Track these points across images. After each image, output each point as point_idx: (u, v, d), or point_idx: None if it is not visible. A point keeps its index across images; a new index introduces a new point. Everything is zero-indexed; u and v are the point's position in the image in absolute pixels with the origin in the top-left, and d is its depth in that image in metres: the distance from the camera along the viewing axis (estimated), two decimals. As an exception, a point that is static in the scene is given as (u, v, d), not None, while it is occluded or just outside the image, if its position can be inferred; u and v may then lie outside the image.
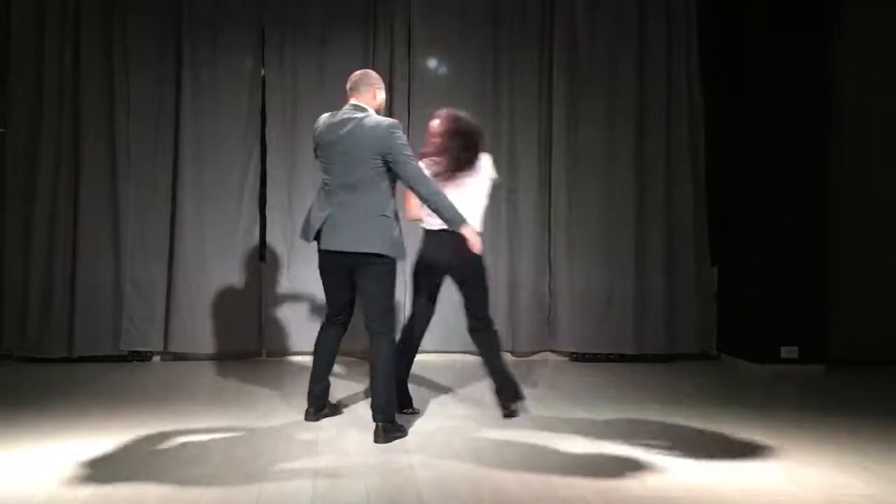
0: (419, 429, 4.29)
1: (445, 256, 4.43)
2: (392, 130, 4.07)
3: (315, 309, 6.34)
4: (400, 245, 4.13)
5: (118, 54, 6.27)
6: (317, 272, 6.45)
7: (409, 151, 4.09)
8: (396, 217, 4.16)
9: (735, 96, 6.42)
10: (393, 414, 4.15)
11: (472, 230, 4.20)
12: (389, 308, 4.22)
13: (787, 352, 6.03)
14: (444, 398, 5.05)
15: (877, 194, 6.43)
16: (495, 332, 4.62)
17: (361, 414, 4.51)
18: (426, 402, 4.88)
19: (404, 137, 4.14)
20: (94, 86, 6.24)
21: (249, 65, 6.44)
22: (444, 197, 4.12)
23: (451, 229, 4.15)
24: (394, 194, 4.19)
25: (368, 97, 4.22)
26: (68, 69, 6.22)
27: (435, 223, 4.40)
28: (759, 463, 3.71)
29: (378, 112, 4.23)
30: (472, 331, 4.60)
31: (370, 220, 4.07)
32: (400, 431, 4.14)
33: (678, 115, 6.54)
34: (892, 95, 6.40)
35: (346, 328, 4.48)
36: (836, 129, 6.30)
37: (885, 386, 5.64)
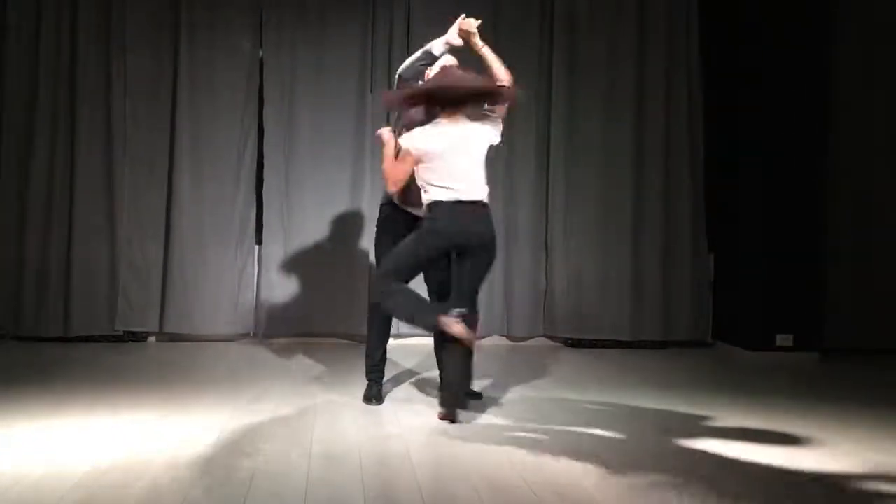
0: (413, 413, 4.30)
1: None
2: None
3: (309, 291, 6.34)
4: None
5: (116, 33, 6.23)
6: (311, 254, 6.51)
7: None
8: None
9: (734, 86, 6.41)
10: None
11: None
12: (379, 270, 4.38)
13: (782, 339, 6.04)
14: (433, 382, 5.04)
15: (873, 182, 6.44)
16: None
17: (357, 396, 4.53)
18: (418, 387, 4.90)
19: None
20: (90, 65, 6.21)
21: (247, 45, 6.40)
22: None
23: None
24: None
25: None
26: (65, 48, 6.18)
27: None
28: (749, 448, 3.72)
29: None
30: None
31: None
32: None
33: (677, 104, 6.53)
34: (890, 89, 6.42)
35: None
36: (835, 119, 6.29)
37: (879, 374, 5.67)
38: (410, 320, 4.23)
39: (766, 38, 6.09)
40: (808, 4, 6.06)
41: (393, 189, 4.24)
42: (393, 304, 4.18)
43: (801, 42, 6.03)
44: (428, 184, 4.11)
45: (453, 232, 4.10)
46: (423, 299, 4.24)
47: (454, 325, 3.96)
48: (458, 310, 4.01)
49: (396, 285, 4.12)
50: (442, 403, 4.17)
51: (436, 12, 6.49)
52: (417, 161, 4.12)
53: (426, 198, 4.13)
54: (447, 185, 4.09)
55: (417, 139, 4.13)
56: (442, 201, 4.08)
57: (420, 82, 4.46)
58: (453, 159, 4.11)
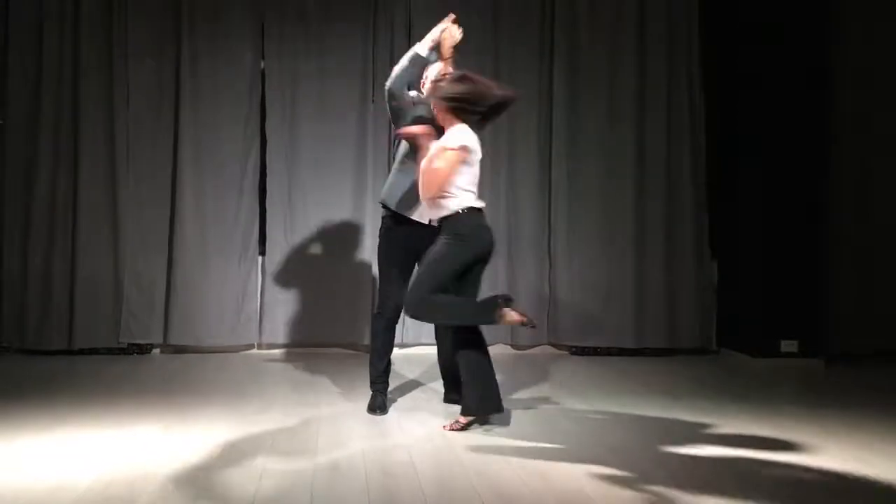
0: (417, 423, 4.29)
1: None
2: None
3: (313, 301, 6.34)
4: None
5: (118, 46, 6.24)
6: (314, 264, 6.49)
7: None
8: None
9: (735, 91, 6.41)
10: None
11: None
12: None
13: (787, 346, 6.02)
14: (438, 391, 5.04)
15: (876, 187, 6.41)
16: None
17: (361, 406, 4.52)
18: (423, 396, 4.88)
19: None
20: (93, 77, 6.21)
21: (249, 56, 6.42)
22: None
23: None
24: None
25: None
26: (67, 60, 6.19)
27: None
28: (755, 456, 3.71)
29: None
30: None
31: None
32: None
33: (678, 109, 6.50)
34: (890, 89, 6.41)
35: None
36: (837, 123, 6.29)
37: (885, 379, 5.64)
38: (466, 323, 4.17)
39: (766, 37, 6.09)
40: (808, 4, 6.06)
41: (433, 194, 4.02)
42: (445, 315, 4.15)
43: (801, 42, 6.03)
44: (459, 188, 4.06)
45: (489, 241, 4.14)
46: (468, 299, 4.15)
47: (513, 313, 4.03)
48: (502, 296, 4.08)
49: (438, 297, 4.03)
50: (486, 410, 4.14)
51: (437, 22, 6.51)
52: (461, 163, 4.04)
53: (455, 203, 4.05)
54: (474, 191, 4.13)
55: (469, 139, 4.07)
56: (475, 207, 4.09)
57: (413, 93, 4.46)
58: (478, 165, 4.17)
